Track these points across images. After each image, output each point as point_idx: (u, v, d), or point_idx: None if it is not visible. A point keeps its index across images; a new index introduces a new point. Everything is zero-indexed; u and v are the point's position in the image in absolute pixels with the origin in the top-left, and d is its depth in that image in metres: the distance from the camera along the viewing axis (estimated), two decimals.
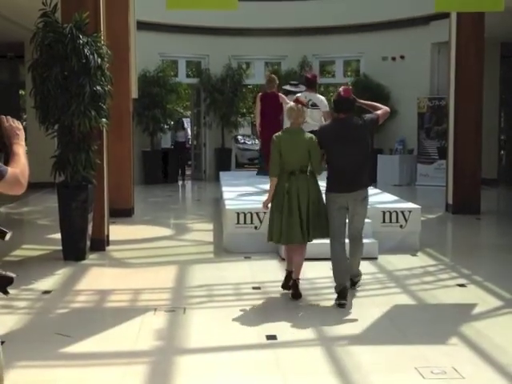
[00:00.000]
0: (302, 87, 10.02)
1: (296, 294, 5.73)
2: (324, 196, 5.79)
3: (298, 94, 9.63)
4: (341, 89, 5.81)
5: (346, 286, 5.63)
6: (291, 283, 5.82)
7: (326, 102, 9.31)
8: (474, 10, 9.04)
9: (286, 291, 5.90)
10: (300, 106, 5.82)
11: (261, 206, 6.06)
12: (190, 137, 25.99)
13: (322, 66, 18.45)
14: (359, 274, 6.12)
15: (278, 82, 10.28)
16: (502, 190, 14.95)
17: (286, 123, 8.16)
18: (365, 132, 5.73)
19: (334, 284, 5.62)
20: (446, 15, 11.75)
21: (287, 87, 10.83)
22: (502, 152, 17.22)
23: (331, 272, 5.74)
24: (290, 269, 5.92)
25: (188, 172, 19.83)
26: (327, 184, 5.79)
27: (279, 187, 5.70)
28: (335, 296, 5.61)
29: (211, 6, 8.00)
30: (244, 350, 4.57)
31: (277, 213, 5.70)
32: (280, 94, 10.17)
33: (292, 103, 5.92)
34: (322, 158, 5.75)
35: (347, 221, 5.80)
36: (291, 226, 5.62)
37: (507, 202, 13.63)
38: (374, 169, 15.98)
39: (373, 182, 14.68)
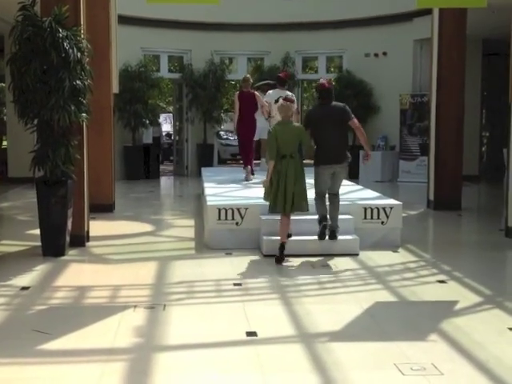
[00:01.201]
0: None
1: (281, 258, 6.90)
2: (314, 169, 7.21)
3: (270, 91, 10.95)
4: (324, 81, 7.40)
5: (335, 229, 7.16)
6: (280, 244, 6.96)
7: (295, 98, 9.50)
8: (456, 6, 9.08)
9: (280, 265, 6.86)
10: (288, 103, 7.11)
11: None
12: (165, 132, 25.96)
13: (305, 61, 18.43)
14: (338, 227, 7.23)
15: (251, 81, 11.20)
16: (483, 187, 15.03)
17: (260, 120, 10.83)
18: (344, 115, 7.19)
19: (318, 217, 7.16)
20: (429, 12, 11.77)
21: (260, 83, 12.45)
22: (483, 149, 17.33)
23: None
24: (284, 240, 7.02)
25: (170, 167, 19.77)
26: (316, 159, 7.18)
27: (275, 170, 6.95)
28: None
29: (192, 0, 7.94)
30: (224, 347, 4.54)
31: (275, 189, 6.94)
32: (256, 92, 10.96)
33: (281, 101, 7.25)
34: (310, 140, 7.14)
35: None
36: (286, 200, 6.91)
37: (488, 198, 13.71)
38: (356, 165, 15.99)
39: (355, 177, 14.73)
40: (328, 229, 7.16)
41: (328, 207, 7.28)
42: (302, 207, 7.04)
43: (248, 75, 11.51)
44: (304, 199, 7.02)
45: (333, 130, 7.11)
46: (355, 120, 7.28)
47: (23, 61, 7.00)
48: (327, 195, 7.31)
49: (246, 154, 10.94)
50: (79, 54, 7.15)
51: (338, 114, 7.19)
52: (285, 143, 6.93)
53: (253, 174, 10.86)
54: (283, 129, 7.03)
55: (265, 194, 7.18)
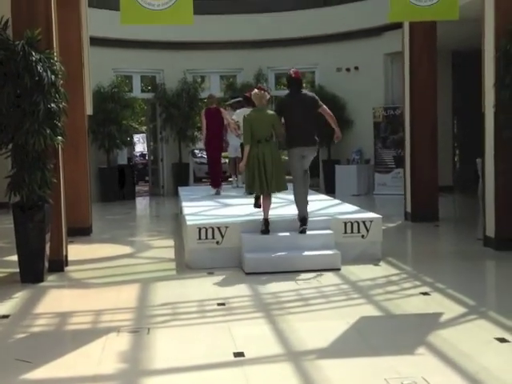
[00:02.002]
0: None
1: (266, 230, 7.58)
2: (287, 152, 7.85)
3: (238, 110, 11.55)
4: (291, 71, 7.96)
5: (306, 215, 7.68)
6: (262, 221, 7.63)
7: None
8: (428, 19, 9.16)
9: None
10: (262, 91, 7.85)
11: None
12: (139, 153, 25.90)
13: (278, 78, 18.51)
14: (307, 210, 7.81)
15: (217, 97, 12.26)
16: (458, 197, 15.17)
17: (234, 138, 11.86)
18: (314, 103, 7.84)
19: (297, 213, 7.73)
20: (398, 26, 11.90)
21: (230, 102, 13.18)
22: (456, 159, 17.51)
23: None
24: (267, 217, 7.66)
25: (145, 188, 19.67)
26: (288, 143, 7.80)
27: (252, 154, 7.57)
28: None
29: (167, 20, 7.93)
30: (211, 369, 4.47)
31: (253, 171, 7.56)
32: (221, 109, 11.75)
33: (256, 90, 7.98)
34: (282, 126, 7.75)
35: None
36: (266, 183, 7.54)
37: (463, 208, 13.82)
38: (331, 179, 16.08)
39: (331, 192, 14.78)
40: (299, 217, 7.74)
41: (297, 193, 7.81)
42: (281, 186, 7.72)
43: (213, 93, 12.39)
44: (282, 179, 7.68)
45: (303, 116, 7.73)
46: (324, 106, 7.94)
47: None
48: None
49: (214, 169, 11.64)
50: (53, 77, 7.07)
51: (308, 101, 7.85)
52: (259, 128, 7.57)
53: (217, 193, 11.34)
54: (257, 115, 7.69)
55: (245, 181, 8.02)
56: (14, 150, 7.09)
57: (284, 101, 8.10)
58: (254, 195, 7.90)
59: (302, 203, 7.77)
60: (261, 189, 7.62)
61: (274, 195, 7.96)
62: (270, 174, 7.55)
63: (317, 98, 7.99)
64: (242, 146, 10.03)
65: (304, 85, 19.12)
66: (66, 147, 7.88)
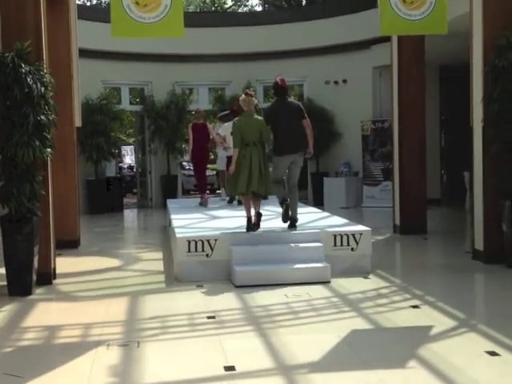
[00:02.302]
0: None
1: (257, 224, 7.93)
2: (273, 158, 8.12)
3: (225, 124, 11.79)
4: (278, 79, 8.17)
5: (295, 218, 8.07)
6: (255, 214, 7.94)
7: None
8: (418, 33, 9.24)
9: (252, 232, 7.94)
10: (250, 97, 8.06)
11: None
12: (127, 165, 25.86)
13: (266, 90, 18.54)
14: (297, 217, 8.14)
15: (203, 112, 12.46)
16: (445, 210, 15.24)
17: (219, 148, 12.06)
18: (299, 112, 8.08)
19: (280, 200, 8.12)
20: (387, 39, 11.98)
21: (219, 115, 13.39)
22: (443, 172, 17.60)
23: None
24: (250, 215, 8.00)
25: (133, 200, 19.61)
26: (276, 150, 8.05)
27: (240, 155, 7.87)
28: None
29: (157, 33, 7.94)
30: (202, 383, 4.45)
31: (240, 173, 7.85)
32: (207, 124, 12.08)
33: (243, 95, 8.15)
34: (270, 132, 7.97)
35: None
36: (250, 182, 7.80)
37: (451, 221, 13.87)
38: (320, 192, 16.11)
39: (320, 204, 14.80)
40: (289, 219, 8.08)
41: (288, 200, 8.12)
42: (268, 188, 8.00)
43: (199, 109, 12.66)
44: (268, 181, 7.97)
45: (290, 123, 7.99)
46: (308, 120, 8.18)
47: None
48: (287, 187, 8.28)
49: (200, 181, 12.14)
50: (43, 89, 7.06)
51: (294, 109, 8.12)
52: (248, 133, 7.87)
53: (204, 204, 11.63)
54: (246, 120, 7.97)
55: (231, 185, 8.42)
56: (3, 162, 7.06)
57: (271, 108, 8.37)
58: (246, 218, 8.08)
59: (292, 209, 8.10)
60: (246, 188, 7.88)
61: (262, 208, 8.18)
62: (258, 174, 7.83)
63: (302, 107, 8.26)
64: (228, 158, 10.95)
65: (292, 96, 19.28)
66: (55, 159, 7.84)
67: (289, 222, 8.09)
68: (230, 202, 11.51)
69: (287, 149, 7.98)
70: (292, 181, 8.18)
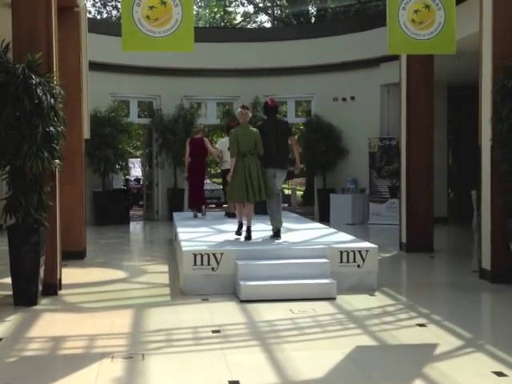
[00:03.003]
0: None
1: (249, 237, 8.51)
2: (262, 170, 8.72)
3: (223, 139, 12.61)
4: (268, 99, 8.97)
5: (279, 228, 8.73)
6: (245, 229, 8.55)
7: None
8: (426, 52, 9.26)
9: (237, 236, 8.69)
10: (246, 110, 8.77)
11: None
12: (134, 177, 25.94)
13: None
14: (281, 223, 8.86)
15: (202, 128, 13.58)
16: (452, 228, 15.19)
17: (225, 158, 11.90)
18: (287, 130, 8.85)
19: (272, 227, 8.83)
20: (395, 57, 12.02)
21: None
22: (450, 190, 17.58)
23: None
24: (241, 220, 8.72)
25: (139, 212, 19.64)
26: (264, 162, 8.66)
27: (238, 164, 8.54)
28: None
29: (167, 47, 7.98)
30: None
31: (237, 181, 8.52)
32: (205, 138, 12.62)
33: (240, 108, 8.88)
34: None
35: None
36: (247, 190, 8.48)
37: (457, 239, 13.83)
38: (326, 208, 16.11)
39: (326, 220, 14.78)
40: (273, 230, 8.78)
41: (272, 210, 8.82)
42: (268, 193, 8.62)
43: (200, 125, 13.54)
44: (269, 187, 8.60)
45: (277, 140, 8.70)
46: (295, 137, 9.37)
47: None
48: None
49: (193, 193, 12.51)
50: (52, 101, 7.09)
51: (282, 127, 8.84)
52: (244, 143, 8.53)
53: (203, 214, 12.26)
54: (242, 131, 8.62)
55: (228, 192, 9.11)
56: (12, 173, 7.09)
57: (261, 126, 8.91)
58: (237, 223, 8.81)
59: (276, 217, 8.76)
60: (244, 197, 8.56)
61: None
62: (257, 182, 8.50)
63: (289, 126, 9.09)
64: (222, 172, 12.11)
65: (300, 112, 19.34)
66: (63, 170, 7.87)
67: (273, 234, 8.72)
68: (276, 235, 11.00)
69: (272, 163, 8.69)
70: (275, 189, 8.79)
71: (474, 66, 8.80)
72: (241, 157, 8.53)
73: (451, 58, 9.99)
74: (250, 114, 8.95)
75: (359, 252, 7.82)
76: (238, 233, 8.68)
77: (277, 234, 8.68)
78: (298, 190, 29.16)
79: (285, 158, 8.82)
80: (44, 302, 7.20)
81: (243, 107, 8.87)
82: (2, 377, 4.82)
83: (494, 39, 8.12)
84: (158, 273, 9.25)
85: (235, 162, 8.58)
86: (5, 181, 7.30)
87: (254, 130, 8.67)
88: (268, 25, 30.97)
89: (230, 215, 11.68)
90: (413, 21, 8.55)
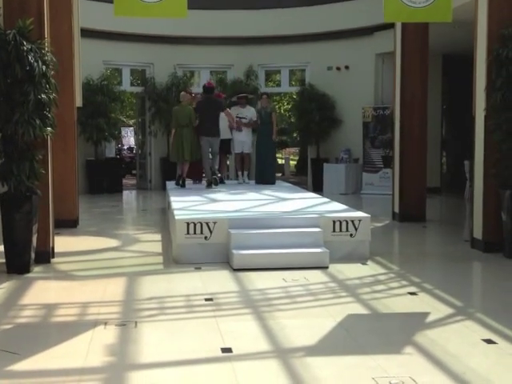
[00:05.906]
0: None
1: (183, 185, 11.96)
2: (200, 138, 11.46)
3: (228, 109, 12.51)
4: (206, 83, 12.17)
5: (215, 170, 11.57)
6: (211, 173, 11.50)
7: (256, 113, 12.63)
8: (422, 20, 9.18)
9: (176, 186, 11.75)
10: (186, 93, 12.17)
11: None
12: (126, 146, 25.81)
13: (268, 75, 18.52)
14: (217, 171, 11.74)
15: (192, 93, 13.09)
16: (445, 198, 15.24)
17: (242, 134, 12.62)
18: (219, 106, 11.51)
19: (207, 179, 11.56)
20: (390, 26, 11.93)
21: (234, 99, 13.42)
22: (443, 161, 17.59)
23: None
24: (181, 173, 11.89)
25: (132, 181, 19.61)
26: (199, 131, 11.40)
27: (176, 133, 11.65)
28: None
29: (160, 13, 7.89)
30: (199, 364, 4.46)
31: (176, 145, 11.64)
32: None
33: (183, 92, 12.47)
34: (196, 118, 11.46)
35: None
36: (183, 152, 11.56)
37: (450, 209, 13.89)
38: (320, 177, 16.11)
39: (319, 190, 14.79)
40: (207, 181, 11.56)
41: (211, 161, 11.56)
42: (195, 155, 11.56)
43: (183, 92, 12.74)
44: (197, 151, 11.54)
45: (211, 114, 11.30)
46: (227, 110, 11.83)
47: None
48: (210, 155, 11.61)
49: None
50: (44, 68, 7.01)
51: (216, 104, 11.50)
52: (181, 118, 11.55)
53: (223, 181, 12.48)
54: (180, 109, 11.73)
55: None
56: (3, 140, 7.04)
57: (200, 103, 11.69)
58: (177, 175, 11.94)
59: (208, 171, 11.44)
60: (179, 156, 11.63)
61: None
62: (189, 146, 11.48)
63: (223, 103, 11.97)
64: (228, 142, 12.71)
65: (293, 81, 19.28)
66: (55, 138, 7.82)
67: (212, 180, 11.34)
68: (209, 185, 11.61)
69: (207, 133, 11.33)
70: (213, 151, 11.52)
71: (470, 36, 8.75)
72: (179, 127, 11.51)
73: (447, 27, 9.93)
74: (189, 97, 12.07)
75: (352, 221, 7.83)
76: (177, 183, 11.88)
77: (214, 174, 11.42)
78: (292, 160, 29.13)
79: (216, 128, 11.41)
80: (37, 269, 7.20)
81: (186, 91, 12.38)
82: None
83: (489, 8, 8.05)
84: (151, 241, 9.27)
85: (174, 132, 11.67)
86: None
87: (189, 107, 11.64)
88: None
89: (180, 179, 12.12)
90: None
